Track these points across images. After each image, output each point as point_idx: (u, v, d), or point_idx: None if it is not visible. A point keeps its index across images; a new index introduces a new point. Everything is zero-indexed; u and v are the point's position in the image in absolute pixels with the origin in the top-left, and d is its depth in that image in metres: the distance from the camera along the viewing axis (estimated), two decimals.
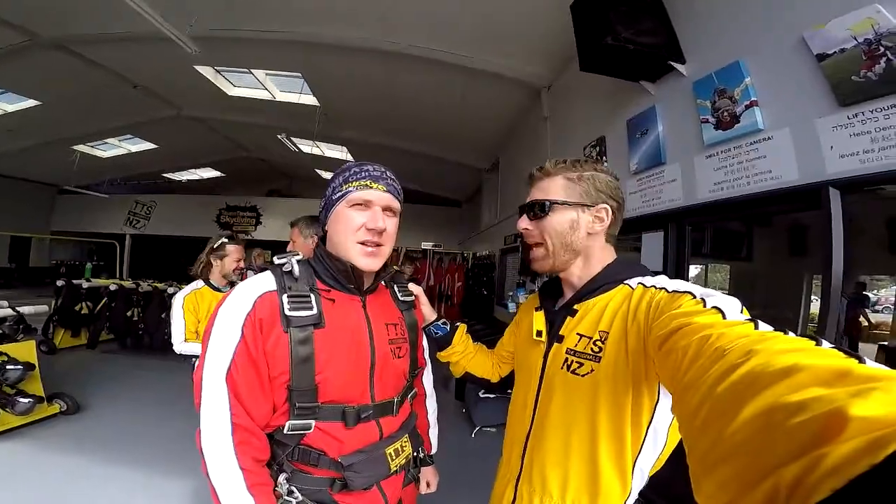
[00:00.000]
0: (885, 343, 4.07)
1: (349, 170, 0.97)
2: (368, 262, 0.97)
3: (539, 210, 0.92)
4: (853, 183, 1.49)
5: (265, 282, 0.93)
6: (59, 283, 5.91)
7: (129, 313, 5.92)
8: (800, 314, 4.07)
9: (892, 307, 4.13)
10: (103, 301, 5.98)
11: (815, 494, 0.22)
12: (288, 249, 1.85)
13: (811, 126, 1.60)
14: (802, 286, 4.07)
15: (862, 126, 1.43)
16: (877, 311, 4.56)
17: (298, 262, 0.96)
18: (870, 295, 4.30)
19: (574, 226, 0.90)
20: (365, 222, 0.95)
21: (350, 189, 0.95)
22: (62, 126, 8.06)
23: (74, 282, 5.97)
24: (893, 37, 1.32)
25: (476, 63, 4.35)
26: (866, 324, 4.22)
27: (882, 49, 1.35)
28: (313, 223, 1.95)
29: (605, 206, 0.90)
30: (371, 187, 0.96)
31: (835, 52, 1.49)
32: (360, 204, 0.95)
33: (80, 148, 9.51)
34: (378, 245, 0.97)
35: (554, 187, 0.92)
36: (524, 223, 0.95)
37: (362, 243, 0.95)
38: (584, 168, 0.91)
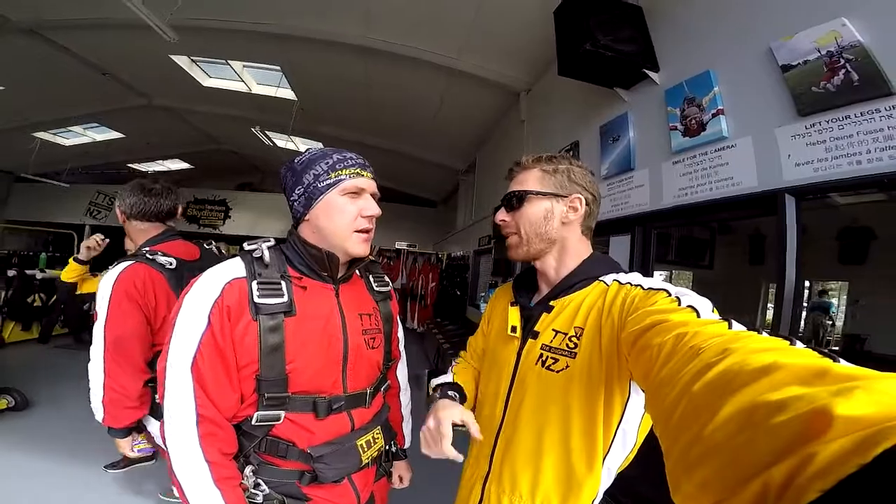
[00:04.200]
0: (836, 349, 4.30)
1: (329, 156, 0.95)
2: (365, 248, 0.98)
3: (516, 201, 0.93)
4: (807, 190, 1.56)
5: (234, 268, 0.90)
6: (10, 273, 5.58)
7: (85, 306, 5.60)
8: (756, 321, 4.25)
9: (843, 314, 4.36)
10: (57, 293, 5.69)
11: (805, 495, 0.22)
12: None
13: (771, 135, 1.68)
14: (760, 294, 4.26)
15: (818, 135, 1.51)
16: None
17: (269, 248, 0.94)
18: (832, 301, 4.53)
19: (548, 216, 0.91)
20: (360, 210, 0.95)
21: (343, 177, 0.93)
22: (24, 112, 7.60)
23: (27, 272, 5.65)
24: (853, 50, 1.40)
25: (458, 64, 4.36)
26: (832, 328, 4.43)
27: (842, 61, 1.42)
28: (120, 195, 1.66)
29: (579, 196, 0.91)
30: (362, 175, 0.96)
31: (799, 63, 1.56)
32: (354, 192, 0.95)
33: (41, 135, 9.02)
34: (369, 231, 0.98)
35: (529, 179, 0.93)
36: (501, 215, 0.97)
37: (358, 231, 0.96)
38: (560, 161, 0.93)
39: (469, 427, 0.87)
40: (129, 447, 1.52)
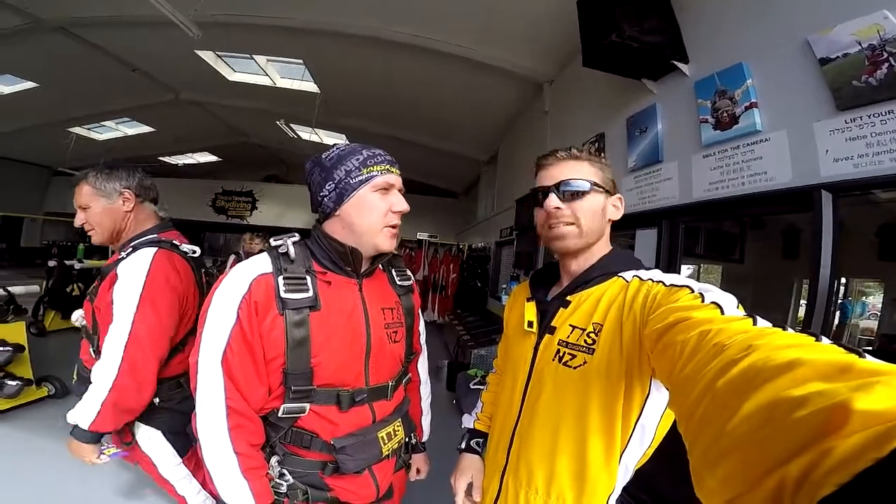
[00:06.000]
0: (870, 348, 4.13)
1: (359, 153, 0.97)
2: (393, 243, 1.00)
3: (577, 191, 0.87)
4: (846, 186, 1.50)
5: (261, 264, 0.92)
6: (51, 263, 5.79)
7: None
8: (788, 317, 4.13)
9: (879, 314, 4.19)
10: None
11: (821, 489, 0.22)
12: (78, 222, 1.44)
13: (808, 129, 1.62)
14: (793, 289, 4.12)
15: (859, 130, 1.45)
16: (866, 319, 4.62)
17: (294, 243, 0.96)
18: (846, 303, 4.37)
19: (604, 211, 0.90)
20: (391, 206, 0.97)
21: (374, 173, 0.95)
22: (59, 108, 7.96)
23: (66, 262, 5.83)
24: None
25: (479, 55, 4.34)
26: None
27: (885, 55, 1.36)
28: (117, 175, 1.42)
29: (620, 195, 0.92)
30: (391, 171, 0.98)
31: (838, 56, 1.50)
32: (385, 188, 0.97)
33: (77, 130, 9.42)
34: (397, 226, 1.00)
35: (585, 170, 0.89)
36: (556, 202, 0.87)
37: (388, 226, 0.98)
38: (600, 158, 0.92)
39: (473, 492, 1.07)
40: (96, 454, 1.30)
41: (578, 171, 0.88)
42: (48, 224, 13.17)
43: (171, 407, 1.44)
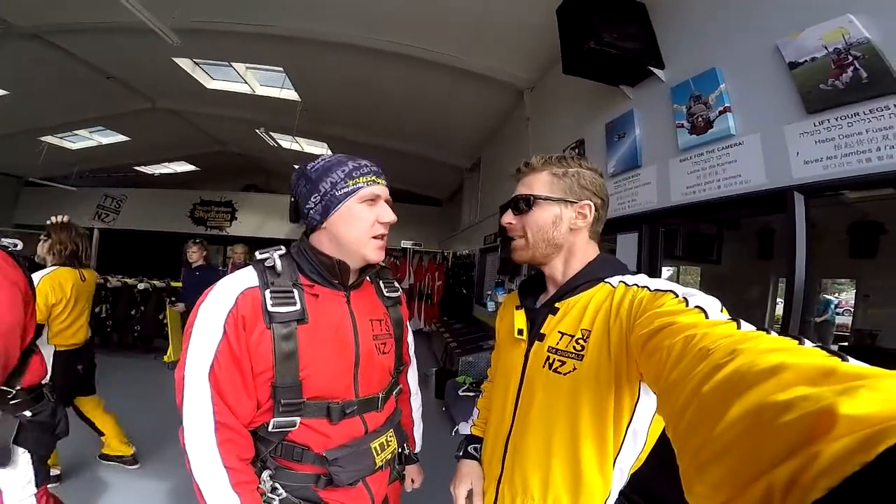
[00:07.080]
0: (846, 344, 4.28)
1: (345, 164, 0.97)
2: (380, 254, 1.00)
3: (524, 205, 0.92)
4: (817, 188, 1.56)
5: (247, 278, 0.92)
6: None
7: (96, 310, 5.65)
8: (766, 314, 4.25)
9: (852, 310, 4.35)
10: None
11: (810, 494, 0.22)
12: None
13: (780, 132, 1.67)
14: (769, 287, 4.24)
15: (827, 133, 1.50)
16: (838, 314, 4.80)
17: (281, 256, 0.96)
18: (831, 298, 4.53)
19: (556, 221, 0.90)
20: (377, 217, 0.97)
21: (360, 185, 0.95)
22: (30, 117, 7.67)
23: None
24: (861, 46, 1.39)
25: (461, 63, 4.36)
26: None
27: (850, 58, 1.41)
28: None
29: (589, 202, 0.90)
30: (378, 182, 0.98)
31: (806, 60, 1.55)
32: (371, 199, 0.96)
33: (49, 139, 9.10)
34: (384, 237, 1.00)
35: (538, 183, 0.92)
36: (508, 218, 0.95)
37: (375, 237, 0.97)
38: (570, 164, 0.92)
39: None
40: None
41: (531, 185, 0.93)
42: (18, 238, 12.69)
43: (42, 420, 1.32)
